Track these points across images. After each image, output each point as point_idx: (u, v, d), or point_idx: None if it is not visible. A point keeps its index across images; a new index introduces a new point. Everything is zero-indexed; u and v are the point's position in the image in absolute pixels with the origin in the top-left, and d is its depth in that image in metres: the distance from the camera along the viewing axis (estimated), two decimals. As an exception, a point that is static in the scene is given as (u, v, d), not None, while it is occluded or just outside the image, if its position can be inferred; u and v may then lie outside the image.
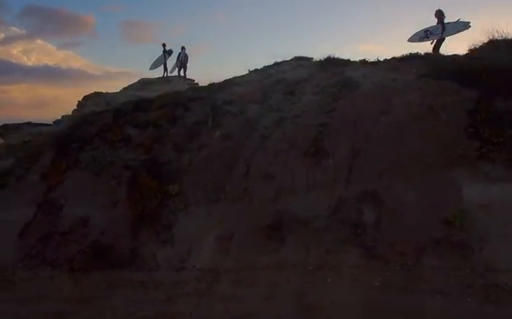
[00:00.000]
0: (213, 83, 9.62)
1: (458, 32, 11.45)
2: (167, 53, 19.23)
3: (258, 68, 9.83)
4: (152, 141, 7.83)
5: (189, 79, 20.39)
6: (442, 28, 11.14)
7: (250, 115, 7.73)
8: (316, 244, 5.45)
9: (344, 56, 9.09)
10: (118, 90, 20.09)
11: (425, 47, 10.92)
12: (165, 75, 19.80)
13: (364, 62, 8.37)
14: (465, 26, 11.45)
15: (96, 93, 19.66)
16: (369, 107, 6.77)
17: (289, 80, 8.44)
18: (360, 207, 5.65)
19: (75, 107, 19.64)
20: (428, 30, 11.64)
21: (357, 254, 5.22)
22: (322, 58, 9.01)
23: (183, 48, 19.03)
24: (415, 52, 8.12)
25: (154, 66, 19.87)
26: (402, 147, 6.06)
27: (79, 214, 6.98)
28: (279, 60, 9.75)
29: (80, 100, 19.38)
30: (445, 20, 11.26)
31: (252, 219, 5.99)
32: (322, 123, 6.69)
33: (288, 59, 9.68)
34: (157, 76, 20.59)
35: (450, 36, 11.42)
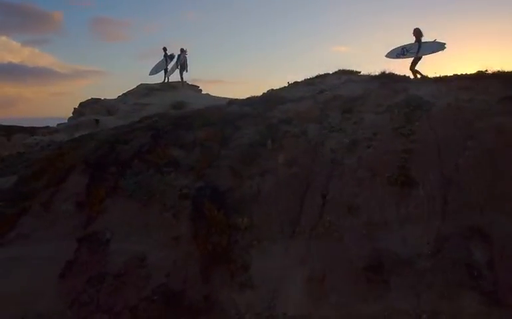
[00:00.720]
0: (254, 96, 8.94)
1: (433, 52, 11.76)
2: (169, 58, 18.24)
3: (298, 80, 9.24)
4: (204, 164, 7.07)
5: (193, 85, 19.49)
6: (418, 47, 11.41)
7: (312, 136, 7.13)
8: (426, 289, 4.93)
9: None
10: (116, 97, 18.94)
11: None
12: (165, 81, 18.80)
13: (425, 79, 7.94)
14: (440, 47, 11.73)
15: (92, 99, 18.42)
16: (451, 131, 6.33)
17: (345, 97, 7.89)
18: (467, 244, 5.17)
19: (71, 114, 18.34)
20: (405, 48, 11.93)
21: (476, 300, 4.74)
22: (376, 73, 8.53)
23: (182, 50, 18.11)
24: (484, 69, 7.73)
25: (154, 71, 18.81)
26: (499, 177, 5.64)
27: (132, 252, 6.15)
28: (321, 73, 9.19)
29: (76, 107, 18.07)
30: (423, 39, 11.52)
31: (345, 258, 5.41)
32: (406, 149, 6.18)
33: (331, 72, 9.14)
34: (155, 82, 19.57)
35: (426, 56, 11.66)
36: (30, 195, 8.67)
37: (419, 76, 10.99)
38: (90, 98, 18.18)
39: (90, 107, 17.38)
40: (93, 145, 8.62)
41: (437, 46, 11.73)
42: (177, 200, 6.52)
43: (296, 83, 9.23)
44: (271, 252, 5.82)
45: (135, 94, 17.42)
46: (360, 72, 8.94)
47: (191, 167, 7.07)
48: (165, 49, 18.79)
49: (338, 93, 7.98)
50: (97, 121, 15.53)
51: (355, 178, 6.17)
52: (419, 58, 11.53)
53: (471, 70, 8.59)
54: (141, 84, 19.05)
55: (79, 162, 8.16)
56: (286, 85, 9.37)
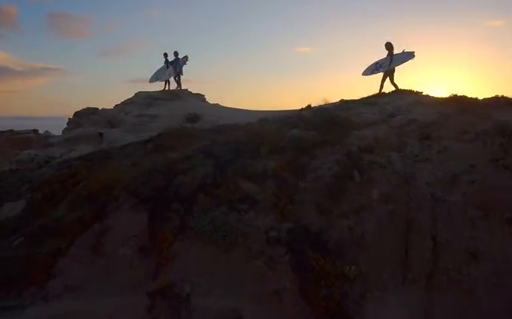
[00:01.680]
0: (304, 111, 8.24)
1: (403, 62, 12.03)
2: (170, 64, 17.10)
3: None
4: (284, 200, 6.28)
5: (198, 93, 18.37)
6: (390, 60, 11.79)
7: (398, 167, 6.55)
8: None
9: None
10: (112, 106, 17.51)
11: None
12: (166, 88, 17.64)
13: (503, 102, 7.60)
14: (410, 56, 12.04)
15: (88, 108, 16.89)
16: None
17: (420, 122, 7.39)
18: None
19: (65, 126, 16.72)
20: (378, 63, 12.31)
21: None
22: (445, 95, 8.11)
23: (176, 53, 17.05)
24: None
25: (155, 78, 17.60)
26: None
27: (221, 309, 5.27)
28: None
29: (70, 117, 16.47)
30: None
31: (478, 313, 4.86)
32: (519, 186, 5.74)
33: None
34: (154, 89, 18.32)
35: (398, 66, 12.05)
36: (56, 230, 7.56)
37: (388, 88, 11.52)
38: (85, 107, 16.65)
39: (87, 117, 15.92)
40: (136, 173, 7.55)
41: (407, 56, 12.08)
42: (265, 244, 5.70)
43: (349, 101, 8.63)
44: (387, 304, 5.17)
45: (136, 104, 16.12)
46: (421, 93, 8.49)
47: (271, 204, 6.27)
48: (165, 55, 17.67)
49: (412, 117, 7.46)
50: (101, 134, 14.21)
51: (466, 218, 5.65)
52: (393, 71, 11.87)
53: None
54: (139, 92, 17.73)
55: (124, 194, 7.10)
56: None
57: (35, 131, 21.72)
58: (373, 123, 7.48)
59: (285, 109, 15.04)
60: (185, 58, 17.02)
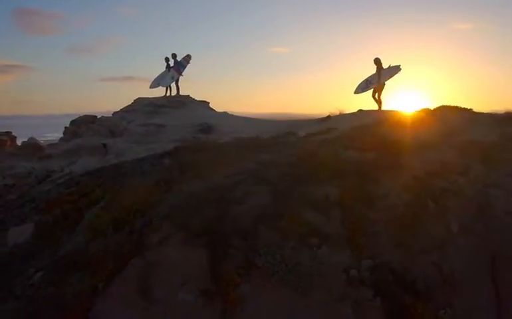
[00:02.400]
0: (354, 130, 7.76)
1: (391, 76, 12.57)
2: (172, 67, 16.23)
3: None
4: (356, 234, 5.76)
5: (202, 100, 17.53)
6: (378, 76, 12.32)
7: (469, 193, 6.17)
8: None
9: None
10: (111, 113, 16.44)
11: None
12: (168, 93, 16.77)
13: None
14: (397, 70, 12.63)
15: (86, 116, 15.77)
16: None
17: (481, 142, 7.06)
18: None
19: (61, 135, 15.54)
20: (368, 80, 12.75)
21: None
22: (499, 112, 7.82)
23: (175, 55, 16.19)
24: None
25: (156, 84, 16.69)
26: None
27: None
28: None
29: (67, 126, 15.31)
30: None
31: None
32: None
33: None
34: (153, 95, 17.37)
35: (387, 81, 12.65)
36: (83, 263, 6.80)
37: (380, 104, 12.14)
38: (83, 114, 15.54)
39: (86, 126, 14.85)
40: (179, 199, 6.81)
41: (394, 70, 12.67)
42: (347, 286, 5.17)
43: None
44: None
45: (139, 112, 15.20)
46: (471, 109, 8.21)
47: (343, 237, 5.74)
48: (167, 59, 16.80)
49: (471, 137, 7.12)
50: (104, 145, 13.27)
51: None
52: (383, 85, 12.42)
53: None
54: (139, 99, 16.80)
55: (169, 226, 6.35)
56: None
57: (8, 133, 20.32)
58: (432, 144, 7.09)
59: (298, 114, 14.60)
60: (188, 57, 16.20)
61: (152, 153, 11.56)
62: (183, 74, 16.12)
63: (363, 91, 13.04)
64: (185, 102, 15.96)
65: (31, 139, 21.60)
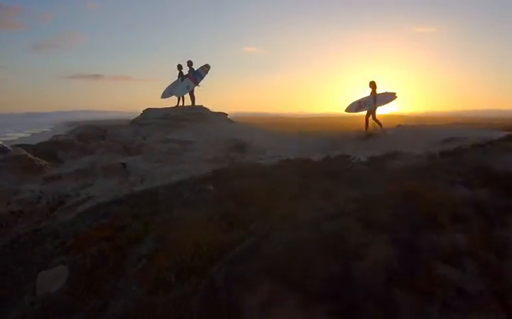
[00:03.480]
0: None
1: (387, 102, 13.13)
2: (186, 76, 14.92)
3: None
4: (500, 291, 4.95)
5: (220, 112, 16.29)
6: (374, 100, 12.91)
7: None
8: None
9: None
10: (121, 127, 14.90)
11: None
12: (180, 104, 15.46)
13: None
14: (392, 97, 13.27)
15: (94, 128, 14.18)
16: None
17: None
18: None
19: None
20: (362, 101, 13.23)
21: None
22: None
23: (191, 63, 14.94)
24: None
25: (168, 93, 15.33)
26: None
27: None
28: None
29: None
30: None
31: None
32: None
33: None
34: (161, 105, 15.98)
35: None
36: None
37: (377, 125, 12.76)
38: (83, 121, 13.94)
39: (96, 141, 13.31)
40: (277, 249, 5.71)
41: (390, 97, 13.37)
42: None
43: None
44: None
45: (153, 125, 13.83)
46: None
47: (487, 298, 4.90)
48: (180, 67, 15.51)
49: None
50: (124, 165, 11.88)
51: None
52: (376, 108, 13.01)
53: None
54: (147, 110, 15.41)
55: (273, 285, 5.28)
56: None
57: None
58: None
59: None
60: (206, 67, 14.96)
61: (186, 176, 10.36)
62: (200, 84, 14.88)
63: (356, 111, 13.47)
64: (203, 113, 14.71)
65: (16, 149, 19.59)
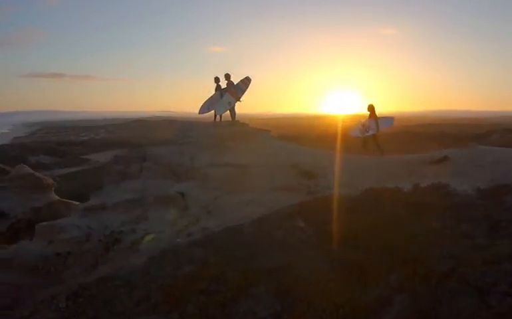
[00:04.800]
0: None
1: (385, 127, 13.67)
2: (226, 90, 13.72)
3: None
4: None
5: (263, 129, 15.13)
6: (376, 124, 13.27)
7: None
8: None
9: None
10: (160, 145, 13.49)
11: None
12: (218, 119, 14.25)
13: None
14: (391, 122, 14.12)
15: (132, 151, 12.69)
16: None
17: None
18: None
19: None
20: (365, 124, 13.58)
21: None
22: None
23: (229, 76, 13.78)
24: None
25: (206, 109, 14.07)
26: None
27: None
28: None
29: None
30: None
31: None
32: None
33: None
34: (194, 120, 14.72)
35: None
36: None
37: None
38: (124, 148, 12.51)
39: (137, 164, 11.90)
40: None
41: (390, 122, 14.11)
42: None
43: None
44: None
45: (198, 145, 12.52)
46: None
47: None
48: (217, 80, 14.32)
49: None
50: (182, 194, 10.67)
51: None
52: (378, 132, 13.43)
53: None
54: (181, 124, 14.11)
55: None
56: None
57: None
58: None
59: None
60: (247, 80, 13.80)
61: (263, 209, 9.28)
62: (241, 99, 13.76)
63: (362, 135, 13.62)
64: (248, 132, 13.56)
65: (21, 167, 17.67)
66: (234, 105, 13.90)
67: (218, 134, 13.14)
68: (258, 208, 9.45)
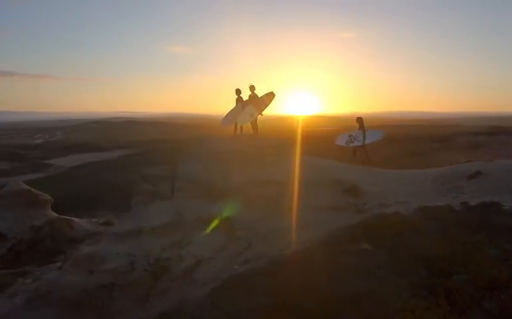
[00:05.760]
0: None
1: (373, 140, 13.98)
2: (252, 104, 13.28)
3: None
4: None
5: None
6: (364, 135, 13.73)
7: None
8: None
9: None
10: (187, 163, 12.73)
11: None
12: (238, 131, 13.80)
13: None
14: (380, 135, 14.30)
15: (163, 171, 11.85)
16: None
17: None
18: None
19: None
20: (352, 136, 14.12)
21: None
22: None
23: (253, 88, 13.41)
24: None
25: (228, 121, 13.59)
26: None
27: None
28: None
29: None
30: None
31: None
32: None
33: None
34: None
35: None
36: None
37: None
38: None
39: (162, 179, 11.15)
40: None
41: (379, 135, 14.36)
42: None
43: None
44: None
45: (226, 162, 11.99)
46: None
47: None
48: (239, 92, 13.90)
49: None
50: (227, 216, 10.17)
51: None
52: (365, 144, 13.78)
53: None
54: (201, 137, 13.52)
55: None
56: None
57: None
58: None
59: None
60: (271, 94, 13.49)
61: (318, 230, 9.01)
62: (263, 113, 13.44)
63: (347, 144, 14.13)
64: (277, 145, 13.19)
65: (14, 183, 16.18)
66: (256, 117, 13.54)
67: (247, 149, 12.71)
68: (312, 229, 9.19)
